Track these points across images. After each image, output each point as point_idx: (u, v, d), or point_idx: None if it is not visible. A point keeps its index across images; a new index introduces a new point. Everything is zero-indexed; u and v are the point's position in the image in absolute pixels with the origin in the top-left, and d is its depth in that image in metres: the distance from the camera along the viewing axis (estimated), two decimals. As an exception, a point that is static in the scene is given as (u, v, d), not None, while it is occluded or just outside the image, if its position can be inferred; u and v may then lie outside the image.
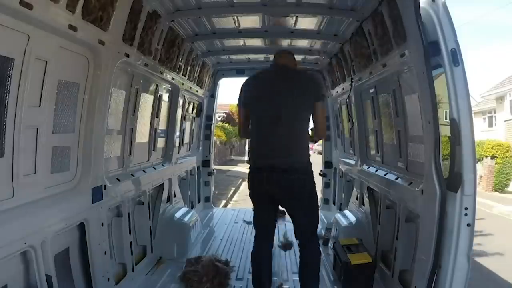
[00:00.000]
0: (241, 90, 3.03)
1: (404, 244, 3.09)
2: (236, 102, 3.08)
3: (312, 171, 2.90)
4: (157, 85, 4.17)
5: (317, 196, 3.06)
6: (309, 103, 2.84)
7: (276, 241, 3.75)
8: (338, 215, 4.67)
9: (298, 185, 2.80)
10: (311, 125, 2.99)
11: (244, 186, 14.79)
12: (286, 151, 2.77)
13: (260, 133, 2.90)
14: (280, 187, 2.78)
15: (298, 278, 3.63)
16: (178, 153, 5.20)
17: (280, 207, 3.05)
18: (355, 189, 4.81)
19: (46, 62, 2.20)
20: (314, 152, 39.11)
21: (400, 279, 3.11)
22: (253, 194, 2.96)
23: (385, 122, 4.00)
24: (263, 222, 3.03)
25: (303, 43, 4.98)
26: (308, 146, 2.93)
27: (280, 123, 2.76)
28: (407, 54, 2.80)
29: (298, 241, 3.01)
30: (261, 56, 5.77)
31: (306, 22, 4.15)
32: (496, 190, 14.63)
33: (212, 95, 6.50)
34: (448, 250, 2.33)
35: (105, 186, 2.88)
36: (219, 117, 34.09)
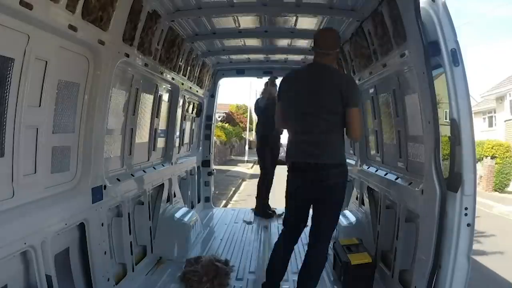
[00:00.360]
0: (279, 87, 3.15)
1: (404, 244, 3.09)
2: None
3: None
4: (157, 85, 4.17)
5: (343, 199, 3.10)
6: (341, 105, 2.78)
7: None
8: (338, 215, 4.66)
9: (335, 187, 2.85)
10: None
11: (244, 186, 14.79)
12: (325, 152, 2.80)
13: (298, 133, 2.92)
14: (319, 188, 2.80)
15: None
16: (178, 153, 5.20)
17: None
18: (355, 189, 4.81)
19: (46, 62, 2.20)
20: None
21: (400, 279, 3.11)
22: (291, 192, 2.96)
23: (385, 122, 4.00)
24: (297, 221, 3.03)
25: (303, 43, 4.98)
26: (344, 148, 3.01)
27: (310, 123, 2.80)
28: (407, 54, 2.80)
29: (309, 240, 3.00)
30: (261, 56, 5.77)
31: (306, 22, 4.15)
32: (496, 190, 14.63)
33: (212, 95, 6.50)
34: (448, 250, 2.33)
35: (105, 186, 2.88)
36: (219, 117, 34.14)
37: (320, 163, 2.77)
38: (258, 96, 6.36)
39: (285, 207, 3.11)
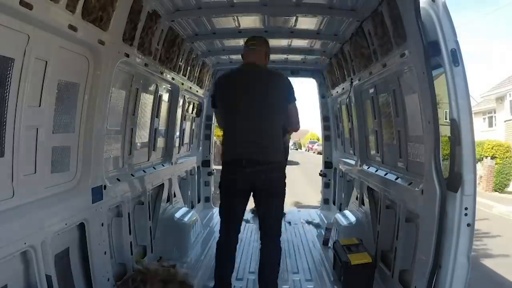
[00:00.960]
0: (214, 88, 3.21)
1: (404, 244, 3.09)
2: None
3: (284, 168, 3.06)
4: (157, 85, 4.17)
5: (285, 193, 3.12)
6: (283, 103, 2.91)
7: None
8: (338, 215, 4.67)
9: (276, 182, 2.90)
10: None
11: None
12: (264, 148, 2.84)
13: (235, 130, 2.96)
14: (258, 183, 2.85)
15: (298, 278, 3.66)
16: (178, 153, 5.20)
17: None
18: (355, 189, 4.81)
19: (46, 62, 2.20)
20: (314, 152, 39.24)
21: (400, 279, 3.11)
22: (226, 188, 2.99)
23: (385, 122, 4.00)
24: (235, 217, 3.06)
25: (303, 43, 4.99)
26: (282, 143, 3.01)
27: (254, 120, 2.85)
28: (407, 54, 2.80)
29: (261, 238, 3.05)
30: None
31: (306, 22, 4.15)
32: (496, 190, 14.62)
33: (212, 95, 6.48)
34: (448, 250, 2.33)
35: (105, 186, 2.88)
36: (219, 117, 34.03)
37: (264, 162, 2.84)
38: None
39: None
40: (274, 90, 2.90)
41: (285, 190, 3.02)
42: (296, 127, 3.16)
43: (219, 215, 3.11)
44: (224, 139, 3.02)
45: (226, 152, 2.97)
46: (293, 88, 2.98)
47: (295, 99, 2.99)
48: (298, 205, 9.35)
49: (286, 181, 3.02)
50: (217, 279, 3.02)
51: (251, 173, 2.80)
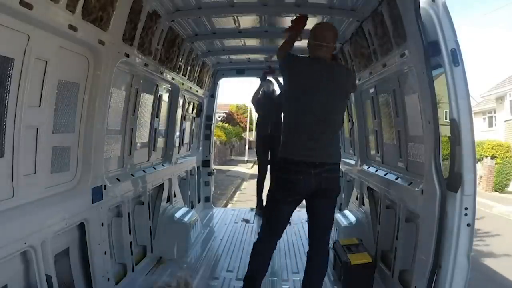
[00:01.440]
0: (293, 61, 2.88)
1: (404, 244, 3.09)
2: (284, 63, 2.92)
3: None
4: (157, 85, 4.17)
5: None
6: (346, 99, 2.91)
7: None
8: (338, 215, 4.67)
9: (335, 184, 2.80)
10: None
11: (244, 186, 14.79)
12: (329, 149, 2.74)
13: (301, 127, 2.75)
14: (320, 185, 2.69)
15: (298, 278, 3.65)
16: (178, 153, 5.20)
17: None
18: (355, 189, 4.81)
19: (46, 62, 2.20)
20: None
21: (400, 279, 3.11)
22: (282, 189, 2.78)
23: (385, 122, 4.00)
24: (283, 219, 2.89)
25: (303, 43, 4.98)
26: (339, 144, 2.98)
27: (324, 120, 2.71)
28: (407, 54, 2.80)
29: (310, 241, 2.90)
30: (261, 56, 5.76)
31: (306, 22, 4.14)
32: (496, 190, 14.63)
33: (212, 95, 6.50)
34: (448, 250, 2.33)
35: (105, 186, 2.88)
36: (219, 117, 34.14)
37: (328, 164, 2.72)
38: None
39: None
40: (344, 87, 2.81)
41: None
42: None
43: (264, 216, 3.02)
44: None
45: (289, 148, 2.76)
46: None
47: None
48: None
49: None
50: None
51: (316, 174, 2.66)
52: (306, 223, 3.00)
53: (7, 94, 1.94)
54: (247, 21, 4.16)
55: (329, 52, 2.88)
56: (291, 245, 4.67)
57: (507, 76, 20.41)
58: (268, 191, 2.90)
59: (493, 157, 14.96)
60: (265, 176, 6.19)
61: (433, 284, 2.40)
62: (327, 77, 2.74)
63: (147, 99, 4.02)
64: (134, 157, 3.76)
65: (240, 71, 6.37)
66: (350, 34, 4.13)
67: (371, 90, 4.22)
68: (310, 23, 4.20)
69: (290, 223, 5.66)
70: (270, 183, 2.94)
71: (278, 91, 6.18)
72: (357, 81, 4.38)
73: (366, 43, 3.72)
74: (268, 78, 6.06)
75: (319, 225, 2.87)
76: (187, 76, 4.89)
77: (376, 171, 4.05)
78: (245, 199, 11.59)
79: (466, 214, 2.28)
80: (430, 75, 2.39)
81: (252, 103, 6.39)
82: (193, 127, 6.16)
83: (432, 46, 2.36)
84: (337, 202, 3.01)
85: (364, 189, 4.27)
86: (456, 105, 2.28)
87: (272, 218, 2.91)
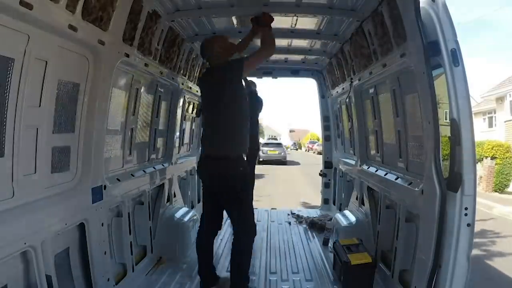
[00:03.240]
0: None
1: (404, 244, 3.09)
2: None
3: (245, 166, 3.09)
4: (157, 85, 4.17)
5: (249, 193, 3.28)
6: (230, 86, 3.03)
7: None
8: (338, 215, 4.67)
9: (230, 180, 3.01)
10: None
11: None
12: (221, 143, 3.02)
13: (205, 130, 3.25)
14: (215, 181, 3.10)
15: (297, 278, 3.66)
16: (178, 153, 5.20)
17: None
18: (355, 189, 4.81)
19: (46, 62, 2.20)
20: (314, 152, 39.21)
21: (400, 279, 3.11)
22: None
23: (385, 122, 4.00)
24: (208, 214, 3.31)
25: (303, 43, 4.98)
26: (244, 140, 3.10)
27: (214, 120, 3.06)
28: (407, 54, 2.80)
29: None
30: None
31: (306, 22, 4.15)
32: (496, 191, 14.61)
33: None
34: (448, 250, 2.33)
35: (105, 186, 2.88)
36: (219, 117, 34.01)
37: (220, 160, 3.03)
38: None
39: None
40: (220, 81, 3.05)
41: (246, 187, 3.20)
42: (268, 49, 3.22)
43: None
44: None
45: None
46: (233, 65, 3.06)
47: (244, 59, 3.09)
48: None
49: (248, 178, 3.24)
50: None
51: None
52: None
53: (7, 94, 1.94)
54: (247, 21, 4.16)
55: (216, 61, 3.17)
56: (291, 245, 4.67)
57: (507, 77, 20.43)
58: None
59: (493, 158, 14.94)
60: None
61: (433, 284, 2.40)
62: (209, 83, 3.16)
63: (147, 99, 4.02)
64: (134, 157, 3.76)
65: None
66: (350, 34, 4.13)
67: (371, 90, 4.22)
68: (310, 23, 4.22)
69: (290, 223, 5.69)
70: None
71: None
72: (356, 81, 4.41)
73: (366, 43, 3.72)
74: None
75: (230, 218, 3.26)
76: (187, 76, 4.89)
77: (376, 171, 4.06)
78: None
79: (466, 214, 2.28)
80: (430, 75, 2.39)
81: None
82: (193, 127, 6.16)
83: (432, 46, 2.36)
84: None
85: (364, 189, 4.28)
86: (456, 105, 2.28)
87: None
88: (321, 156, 6.90)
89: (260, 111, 5.70)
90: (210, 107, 3.11)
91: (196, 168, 3.31)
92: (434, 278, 2.40)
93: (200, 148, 3.35)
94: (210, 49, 3.18)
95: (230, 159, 2.98)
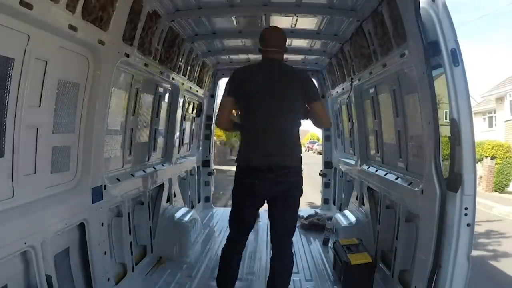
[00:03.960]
0: (233, 80, 2.80)
1: (404, 244, 3.09)
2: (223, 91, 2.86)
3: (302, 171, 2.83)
4: (157, 85, 4.17)
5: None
6: (303, 102, 2.74)
7: None
8: (338, 215, 4.67)
9: (294, 187, 2.74)
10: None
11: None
12: (284, 151, 2.68)
13: (255, 131, 2.72)
14: (277, 188, 2.67)
15: (298, 278, 3.65)
16: (178, 153, 5.20)
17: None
18: (355, 189, 4.81)
19: (46, 62, 2.20)
20: (314, 152, 39.13)
21: (400, 279, 3.11)
22: (242, 193, 2.77)
23: (385, 122, 4.00)
24: (246, 223, 2.84)
25: (303, 43, 4.98)
26: (301, 146, 2.85)
27: (276, 121, 2.65)
28: (407, 54, 2.80)
29: (273, 244, 2.86)
30: (261, 56, 5.75)
31: (306, 22, 4.15)
32: (496, 191, 14.61)
33: (212, 95, 6.50)
34: (448, 250, 2.33)
35: (105, 186, 2.88)
36: (219, 117, 34.01)
37: (284, 167, 2.66)
38: None
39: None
40: (293, 87, 2.71)
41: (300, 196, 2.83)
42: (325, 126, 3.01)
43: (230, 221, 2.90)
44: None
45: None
46: (314, 85, 2.83)
47: (319, 97, 2.82)
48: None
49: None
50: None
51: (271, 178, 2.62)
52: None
53: (7, 94, 1.94)
54: (247, 21, 4.17)
55: (277, 55, 2.83)
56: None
57: (507, 77, 20.42)
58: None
59: (493, 158, 14.94)
60: None
61: (433, 284, 2.40)
62: (269, 80, 2.71)
63: (147, 99, 4.02)
64: (134, 157, 3.76)
65: None
66: (350, 34, 4.13)
67: (371, 90, 4.22)
68: (310, 23, 4.22)
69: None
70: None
71: None
72: (356, 81, 4.40)
73: (366, 43, 3.72)
74: None
75: (278, 229, 2.81)
76: (187, 76, 4.89)
77: (376, 171, 4.05)
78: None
79: (466, 214, 2.28)
80: (430, 75, 2.39)
81: None
82: (193, 127, 6.16)
83: (432, 46, 2.36)
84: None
85: (364, 189, 4.27)
86: (456, 105, 2.28)
87: (234, 221, 2.86)
88: (321, 156, 6.89)
89: None
90: (270, 102, 2.67)
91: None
92: (434, 278, 2.39)
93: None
94: (281, 42, 2.85)
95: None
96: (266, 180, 2.63)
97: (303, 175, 2.84)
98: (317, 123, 2.94)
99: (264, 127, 2.67)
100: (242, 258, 3.29)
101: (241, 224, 2.83)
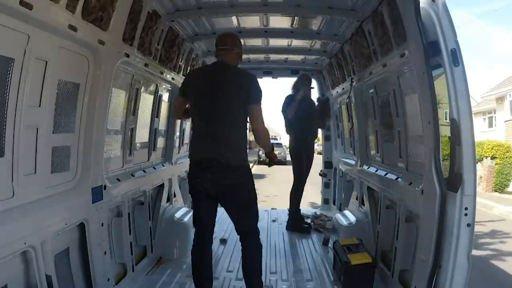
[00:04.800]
0: (185, 80, 3.05)
1: (404, 244, 3.09)
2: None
3: (248, 166, 2.92)
4: (157, 85, 4.17)
5: (254, 191, 2.98)
6: (243, 103, 2.74)
7: None
8: (338, 215, 4.67)
9: (235, 182, 2.78)
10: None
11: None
12: (220, 151, 2.72)
13: (196, 130, 2.94)
14: (217, 185, 2.76)
15: (298, 278, 3.66)
16: (178, 153, 5.20)
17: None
18: (355, 189, 4.81)
19: (46, 62, 2.20)
20: (314, 152, 39.12)
21: (400, 279, 3.11)
22: (192, 191, 2.91)
23: (385, 122, 4.00)
24: (202, 221, 2.99)
25: (303, 43, 4.99)
26: (246, 142, 2.91)
27: (212, 122, 2.75)
28: (407, 54, 2.80)
29: (239, 236, 3.03)
30: (261, 56, 5.77)
31: (306, 22, 4.15)
32: (496, 191, 14.61)
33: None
34: (448, 250, 2.33)
35: (105, 186, 2.88)
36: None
37: (223, 163, 2.72)
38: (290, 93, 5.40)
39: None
40: (239, 89, 2.76)
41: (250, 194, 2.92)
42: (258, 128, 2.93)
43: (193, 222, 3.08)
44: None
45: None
46: (259, 90, 2.81)
47: (258, 101, 2.80)
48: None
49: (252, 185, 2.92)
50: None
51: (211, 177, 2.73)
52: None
53: (7, 94, 1.94)
54: (247, 21, 4.17)
55: (228, 55, 2.91)
56: (291, 245, 4.67)
57: (507, 77, 20.42)
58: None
59: (493, 158, 14.94)
60: (302, 185, 5.48)
61: (433, 284, 2.40)
62: (210, 81, 2.82)
63: (147, 99, 4.02)
64: (134, 157, 3.76)
65: None
66: (350, 34, 4.13)
67: (371, 90, 4.22)
68: (310, 23, 4.22)
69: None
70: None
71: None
72: (356, 81, 4.40)
73: (366, 43, 3.72)
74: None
75: (235, 225, 3.05)
76: None
77: (376, 171, 4.06)
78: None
79: (466, 214, 2.28)
80: (430, 75, 2.39)
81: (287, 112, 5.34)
82: (193, 127, 6.16)
83: (432, 46, 2.36)
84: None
85: (364, 189, 4.27)
86: (456, 105, 2.28)
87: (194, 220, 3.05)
88: (321, 156, 6.90)
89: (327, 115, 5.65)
90: (210, 102, 2.80)
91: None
92: (434, 278, 2.39)
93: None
94: (232, 44, 2.94)
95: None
96: (205, 179, 2.75)
97: (249, 174, 2.94)
98: (251, 126, 2.91)
99: (202, 127, 2.83)
100: (236, 258, 3.34)
101: (196, 222, 3.05)
